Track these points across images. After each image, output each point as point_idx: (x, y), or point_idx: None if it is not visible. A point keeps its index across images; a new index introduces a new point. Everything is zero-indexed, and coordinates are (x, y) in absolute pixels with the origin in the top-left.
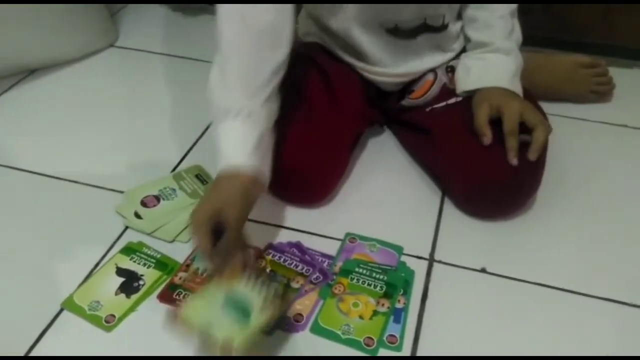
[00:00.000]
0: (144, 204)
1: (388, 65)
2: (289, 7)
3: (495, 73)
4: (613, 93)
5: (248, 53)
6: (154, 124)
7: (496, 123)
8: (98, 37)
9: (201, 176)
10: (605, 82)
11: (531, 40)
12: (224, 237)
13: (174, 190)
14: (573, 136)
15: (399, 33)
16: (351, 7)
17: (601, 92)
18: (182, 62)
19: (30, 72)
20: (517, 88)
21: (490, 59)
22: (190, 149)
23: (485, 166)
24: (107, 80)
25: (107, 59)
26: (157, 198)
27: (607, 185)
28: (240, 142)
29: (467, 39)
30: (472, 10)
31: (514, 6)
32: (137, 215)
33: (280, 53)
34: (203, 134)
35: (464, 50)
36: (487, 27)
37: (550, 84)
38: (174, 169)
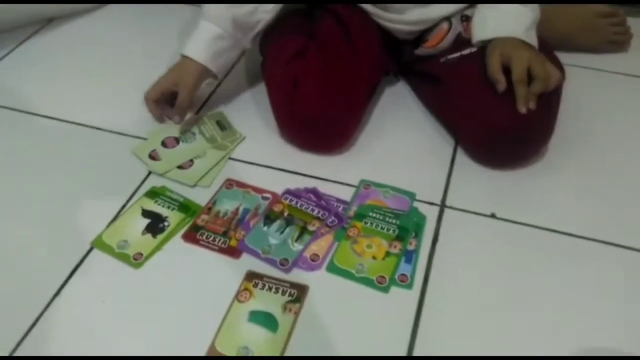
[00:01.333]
0: (164, 144)
1: (401, 11)
2: None
3: (511, 23)
4: (630, 43)
5: None
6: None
7: (510, 73)
8: None
9: (222, 123)
10: (623, 32)
11: None
12: (178, 99)
13: (194, 134)
14: (588, 87)
15: None
16: None
17: (618, 42)
18: (196, 10)
19: (48, 21)
20: (533, 40)
21: (507, 9)
22: (206, 101)
23: (498, 116)
24: (123, 28)
25: (122, 7)
26: (177, 140)
27: (620, 136)
28: (197, 39)
29: None
30: None
31: None
32: (151, 157)
33: None
34: (219, 85)
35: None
36: None
37: (567, 33)
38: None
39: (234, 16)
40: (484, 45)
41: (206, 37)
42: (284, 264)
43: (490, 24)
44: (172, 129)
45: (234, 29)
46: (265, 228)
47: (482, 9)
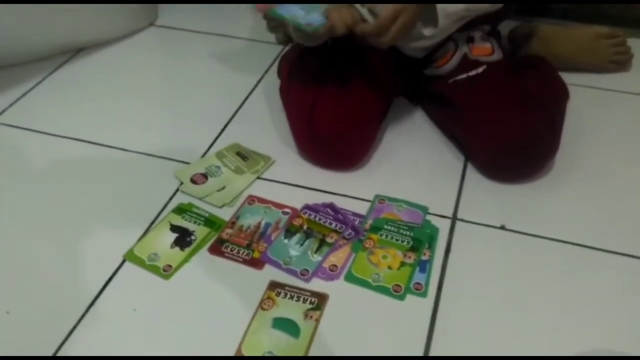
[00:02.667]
0: (193, 181)
1: None
2: None
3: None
4: (632, 63)
5: None
6: (193, 99)
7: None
8: (139, 17)
9: (242, 153)
10: (624, 52)
11: (552, 13)
12: None
13: (218, 167)
14: (592, 104)
15: None
16: None
17: (620, 61)
18: (217, 39)
19: (77, 51)
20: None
21: None
22: (227, 124)
23: (505, 133)
24: (148, 57)
25: (147, 37)
26: (205, 175)
27: (623, 151)
28: None
29: None
30: None
31: None
32: (193, 181)
33: None
34: (239, 108)
35: (480, 20)
36: None
37: (570, 54)
38: (212, 142)
39: None
40: (491, 66)
41: None
42: (305, 274)
43: None
44: (196, 166)
45: None
46: (286, 241)
47: None
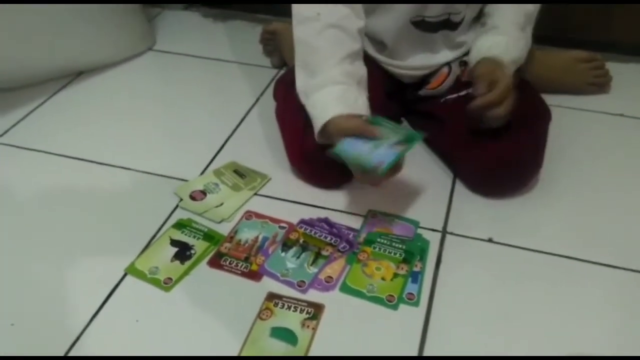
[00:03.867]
0: (192, 198)
1: (406, 58)
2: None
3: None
4: (610, 85)
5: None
6: (191, 120)
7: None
8: (138, 41)
9: (239, 171)
10: (602, 75)
11: (534, 38)
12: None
13: (216, 184)
14: (573, 125)
15: (422, 26)
16: (396, 7)
17: (598, 84)
18: (214, 64)
19: (77, 74)
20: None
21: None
22: (224, 144)
23: (491, 152)
24: (147, 80)
25: (146, 61)
26: (204, 192)
27: (603, 168)
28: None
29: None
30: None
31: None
32: (192, 198)
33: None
34: (236, 128)
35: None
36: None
37: (551, 77)
38: (210, 161)
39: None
40: None
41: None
42: (301, 286)
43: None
44: (195, 183)
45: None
46: (283, 254)
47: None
